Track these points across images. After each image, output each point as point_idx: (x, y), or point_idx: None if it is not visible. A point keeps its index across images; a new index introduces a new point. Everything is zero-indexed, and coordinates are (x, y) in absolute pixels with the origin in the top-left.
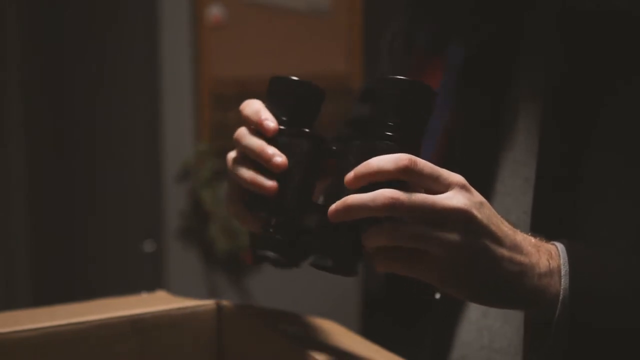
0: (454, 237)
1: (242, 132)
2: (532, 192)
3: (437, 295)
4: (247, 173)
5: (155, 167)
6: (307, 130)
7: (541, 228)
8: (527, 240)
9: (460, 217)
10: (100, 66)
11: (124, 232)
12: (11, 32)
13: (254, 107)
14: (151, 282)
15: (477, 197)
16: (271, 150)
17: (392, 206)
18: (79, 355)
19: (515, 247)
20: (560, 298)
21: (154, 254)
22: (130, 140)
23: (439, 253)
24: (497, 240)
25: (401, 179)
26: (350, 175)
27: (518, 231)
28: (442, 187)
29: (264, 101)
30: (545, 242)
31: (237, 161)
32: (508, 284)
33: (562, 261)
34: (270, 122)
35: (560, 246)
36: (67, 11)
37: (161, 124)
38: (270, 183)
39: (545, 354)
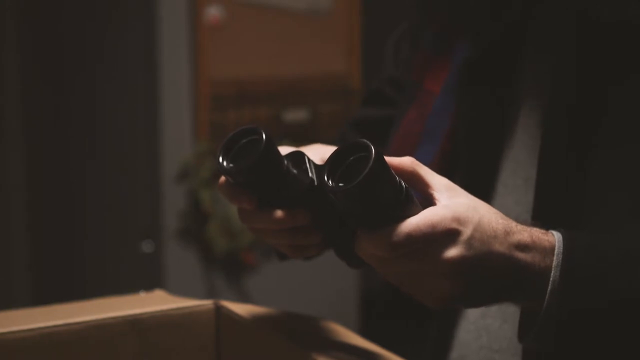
0: (448, 282)
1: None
2: (533, 192)
3: None
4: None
5: (153, 168)
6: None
7: (542, 228)
8: (521, 238)
9: (453, 268)
10: (99, 67)
11: (122, 232)
12: (10, 34)
13: (226, 195)
14: (150, 282)
15: (469, 230)
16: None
17: (394, 274)
18: (77, 355)
19: (508, 261)
20: (549, 289)
21: (153, 254)
22: (128, 140)
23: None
24: (489, 265)
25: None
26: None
27: (513, 227)
28: (441, 245)
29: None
30: (542, 233)
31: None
32: (499, 290)
33: (556, 251)
34: (245, 204)
35: (557, 236)
36: (65, 11)
37: (160, 124)
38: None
39: (534, 340)
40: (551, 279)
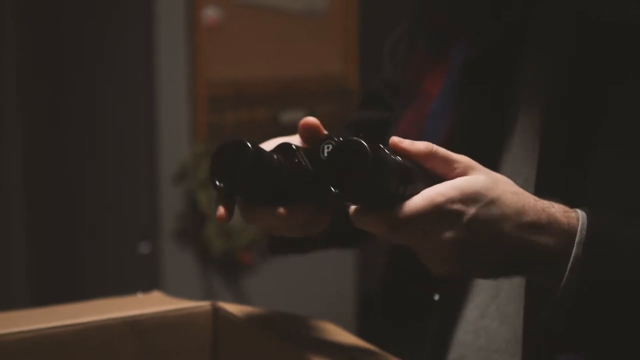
0: (455, 236)
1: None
2: (533, 192)
3: (436, 297)
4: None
5: (151, 169)
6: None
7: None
8: (535, 218)
9: (463, 217)
10: (97, 68)
11: (120, 233)
12: (10, 34)
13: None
14: (148, 283)
15: (484, 211)
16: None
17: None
18: (77, 356)
19: (519, 242)
20: (569, 266)
21: (151, 255)
22: (126, 141)
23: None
24: (498, 245)
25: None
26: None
27: (528, 207)
28: (451, 225)
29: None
30: (564, 211)
31: None
32: (517, 261)
33: (579, 227)
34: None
35: (581, 214)
36: (65, 12)
37: (157, 125)
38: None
39: (547, 319)
40: (573, 254)
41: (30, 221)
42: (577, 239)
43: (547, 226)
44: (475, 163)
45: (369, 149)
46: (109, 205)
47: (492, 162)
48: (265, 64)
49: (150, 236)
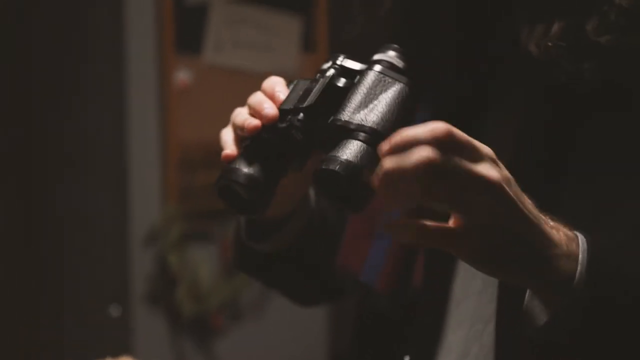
0: (487, 204)
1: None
2: None
3: (406, 358)
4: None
5: (121, 231)
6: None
7: None
8: (548, 222)
9: (495, 187)
10: (68, 128)
11: (89, 296)
12: None
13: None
14: (117, 348)
15: (506, 172)
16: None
17: (429, 165)
18: None
19: (539, 225)
20: (575, 281)
21: (120, 319)
22: (97, 203)
23: (468, 218)
24: (523, 215)
25: (437, 148)
26: (384, 145)
27: (539, 212)
28: (477, 158)
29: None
30: (564, 226)
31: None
32: (526, 258)
33: (581, 248)
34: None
35: (580, 235)
36: (33, 80)
37: (128, 187)
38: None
39: (547, 333)
40: (579, 261)
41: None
42: (581, 247)
43: (557, 226)
44: None
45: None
46: (78, 267)
47: None
48: None
49: (120, 299)
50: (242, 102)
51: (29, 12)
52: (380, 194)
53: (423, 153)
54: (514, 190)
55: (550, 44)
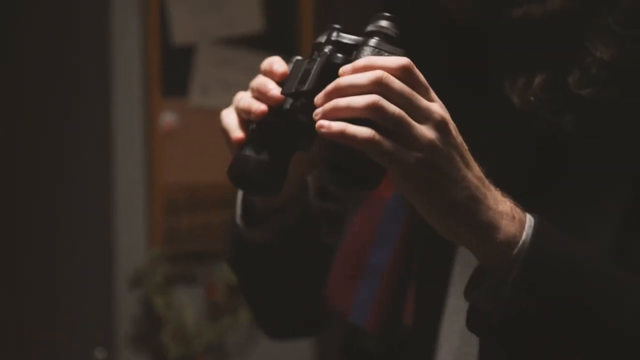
0: (431, 135)
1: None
2: None
3: None
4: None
5: (107, 273)
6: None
7: None
8: (492, 187)
9: (440, 121)
10: (53, 173)
11: (74, 339)
12: None
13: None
14: None
15: (454, 124)
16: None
17: (379, 83)
18: None
19: (482, 179)
20: (517, 247)
21: None
22: (81, 245)
23: (412, 148)
24: (467, 162)
25: (393, 74)
26: (346, 67)
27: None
28: (428, 98)
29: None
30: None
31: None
32: (467, 206)
33: (528, 217)
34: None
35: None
36: (20, 118)
37: (113, 229)
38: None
39: (483, 297)
40: (523, 237)
41: None
42: (527, 224)
43: (506, 200)
44: None
45: None
46: (64, 308)
47: (446, 267)
48: (222, 167)
49: (106, 342)
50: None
51: (21, 52)
52: (328, 107)
53: (378, 73)
54: (460, 140)
55: (532, 97)
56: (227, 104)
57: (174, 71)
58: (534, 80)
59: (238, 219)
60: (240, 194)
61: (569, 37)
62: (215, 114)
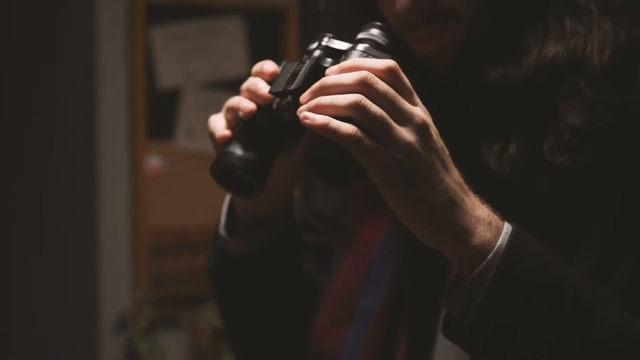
0: (411, 138)
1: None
2: None
3: None
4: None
5: (91, 316)
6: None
7: None
8: (471, 193)
9: (421, 125)
10: (37, 219)
11: None
12: None
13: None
14: None
15: (436, 129)
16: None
17: (363, 83)
18: None
19: (460, 184)
20: (492, 252)
21: None
22: (67, 288)
23: (391, 149)
24: (447, 166)
25: (377, 75)
26: (332, 67)
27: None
28: (412, 101)
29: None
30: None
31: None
32: (444, 209)
33: (505, 224)
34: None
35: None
36: (4, 173)
37: (98, 273)
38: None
39: (457, 302)
40: (498, 243)
41: None
42: (504, 230)
43: (483, 205)
44: None
45: None
46: (48, 353)
47: (436, 312)
48: (207, 211)
49: None
50: (214, 189)
51: (5, 96)
52: (312, 103)
53: (363, 74)
54: (440, 144)
55: (507, 166)
56: (213, 147)
57: (159, 114)
58: (508, 147)
59: (222, 229)
60: (226, 202)
61: (543, 103)
62: (201, 158)
